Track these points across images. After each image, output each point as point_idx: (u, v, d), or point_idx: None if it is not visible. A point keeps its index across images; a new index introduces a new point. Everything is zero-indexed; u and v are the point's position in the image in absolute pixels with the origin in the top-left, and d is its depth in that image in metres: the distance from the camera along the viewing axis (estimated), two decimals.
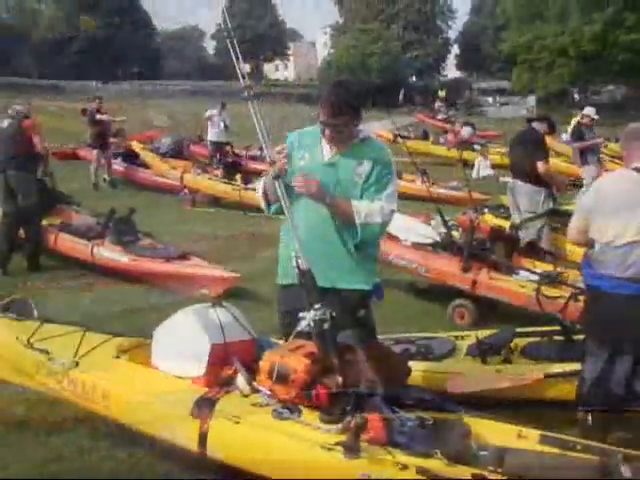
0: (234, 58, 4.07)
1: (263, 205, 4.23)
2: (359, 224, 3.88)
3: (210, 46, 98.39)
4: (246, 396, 3.80)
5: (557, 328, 5.56)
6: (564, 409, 5.03)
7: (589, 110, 14.02)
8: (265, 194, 4.15)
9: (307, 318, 3.64)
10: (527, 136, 8.94)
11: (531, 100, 55.45)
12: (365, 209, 3.91)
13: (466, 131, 23.11)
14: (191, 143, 19.78)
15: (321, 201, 3.91)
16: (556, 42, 46.54)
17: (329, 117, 3.95)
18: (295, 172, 3.99)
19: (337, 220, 4.00)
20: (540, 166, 8.47)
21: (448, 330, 6.44)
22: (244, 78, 4.07)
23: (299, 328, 3.68)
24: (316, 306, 3.64)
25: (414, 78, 73.50)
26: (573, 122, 19.51)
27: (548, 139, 16.44)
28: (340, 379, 3.60)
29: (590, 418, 4.47)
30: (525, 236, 8.38)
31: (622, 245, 4.20)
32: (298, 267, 3.74)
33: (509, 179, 9.17)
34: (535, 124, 8.92)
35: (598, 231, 4.36)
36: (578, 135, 13.59)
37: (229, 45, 4.15)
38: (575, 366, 4.92)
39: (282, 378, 3.62)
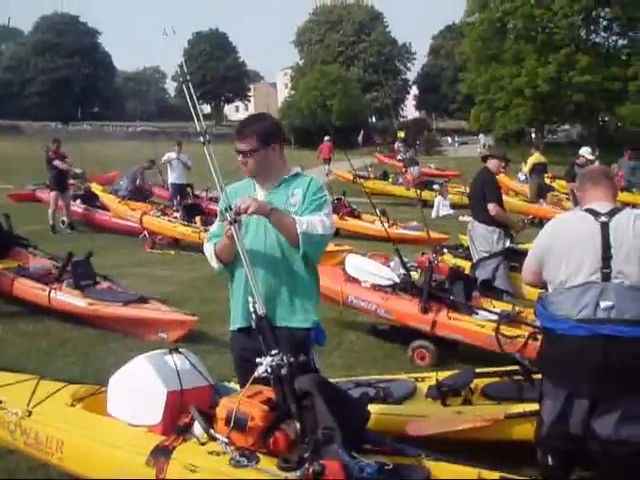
0: (190, 104, 4.08)
1: (217, 268, 4.23)
2: (300, 233, 3.86)
3: (171, 87, 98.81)
4: (203, 444, 3.74)
5: (516, 368, 5.57)
6: (525, 450, 5.06)
7: (584, 150, 13.97)
8: (217, 255, 4.14)
9: (264, 364, 3.61)
10: (480, 177, 9.05)
11: (483, 138, 56.50)
12: (306, 220, 3.92)
13: (414, 170, 23.40)
14: (151, 184, 19.76)
15: (265, 214, 3.88)
16: (512, 83, 47.47)
17: (237, 142, 4.05)
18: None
19: (279, 256, 4.03)
20: (491, 208, 8.59)
21: (410, 371, 6.44)
22: (199, 121, 4.10)
23: (256, 374, 3.65)
24: (273, 352, 3.61)
25: (374, 119, 74.25)
26: (530, 160, 19.88)
27: (506, 179, 16.63)
28: (298, 425, 3.57)
29: (550, 459, 4.43)
30: (481, 275, 8.45)
31: (575, 286, 4.19)
32: (255, 312, 3.74)
33: (468, 218, 9.26)
34: (489, 162, 9.01)
35: (551, 272, 4.38)
36: (572, 176, 13.42)
37: (185, 91, 4.21)
38: (535, 406, 4.90)
39: (239, 425, 3.57)
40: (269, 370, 3.60)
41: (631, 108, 45.51)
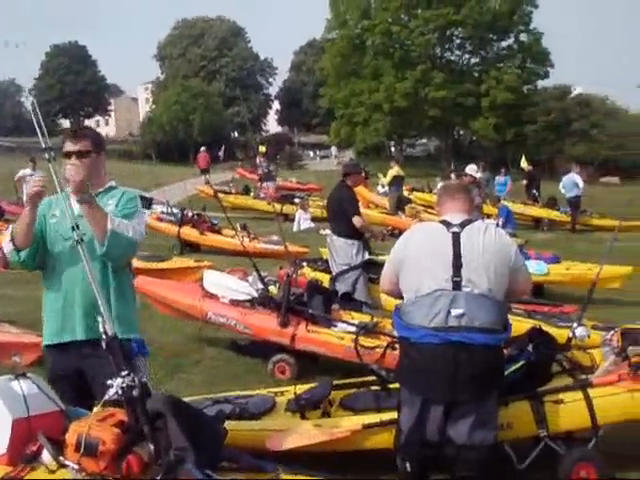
0: (35, 122, 3.90)
1: (9, 252, 4.05)
2: (110, 230, 3.81)
3: (29, 101, 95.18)
4: (53, 472, 3.58)
5: (374, 378, 5.65)
6: (384, 458, 5.13)
7: (470, 168, 14.08)
8: (12, 240, 4.01)
9: (115, 385, 3.50)
10: (340, 193, 9.14)
11: (335, 150, 57.59)
12: (119, 220, 3.90)
13: (270, 185, 23.58)
14: (6, 202, 19.07)
15: (82, 195, 3.83)
16: (371, 98, 48.58)
17: (70, 143, 4.02)
18: (50, 232, 4.04)
19: (100, 267, 3.97)
20: (356, 221, 8.74)
21: (270, 386, 6.42)
22: (44, 136, 3.95)
23: (107, 397, 3.54)
24: (123, 373, 3.51)
25: (236, 134, 74.17)
26: (389, 173, 20.32)
27: (366, 191, 16.93)
28: (152, 447, 3.48)
29: (408, 466, 4.51)
30: (341, 288, 8.53)
31: (428, 294, 4.28)
32: (105, 332, 3.62)
33: (328, 232, 9.34)
34: (347, 176, 9.14)
35: (406, 281, 4.48)
36: None
37: (30, 108, 4.10)
38: (392, 415, 4.99)
39: (90, 450, 3.43)
40: (120, 392, 3.50)
41: (483, 122, 47.45)
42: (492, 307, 4.30)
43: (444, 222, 4.54)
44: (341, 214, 8.87)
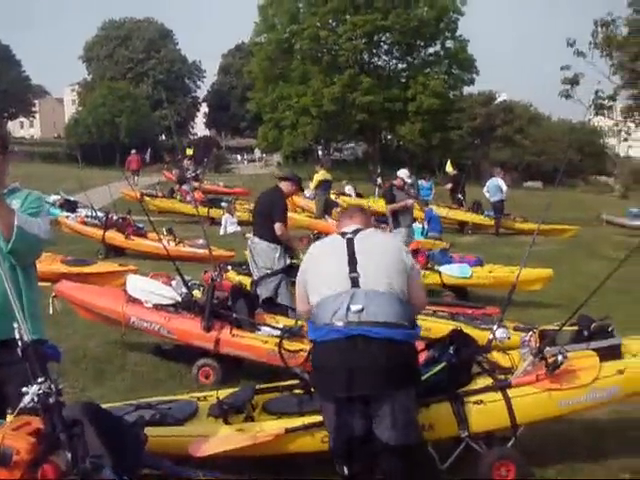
0: None
1: None
2: (17, 226, 3.74)
3: None
4: None
5: (297, 382, 5.66)
6: (308, 461, 5.15)
7: (402, 172, 14.16)
8: None
9: (30, 392, 3.42)
10: (271, 197, 9.11)
11: (258, 152, 57.82)
12: (25, 217, 3.84)
13: (186, 188, 23.44)
14: None
15: None
16: (299, 102, 48.62)
17: None
18: None
19: (6, 268, 3.82)
20: (278, 228, 8.73)
21: (194, 391, 6.37)
22: None
23: (22, 404, 3.46)
24: (40, 379, 3.44)
25: (163, 137, 73.44)
26: (315, 177, 20.40)
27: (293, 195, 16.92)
28: (69, 455, 3.41)
29: (345, 469, 4.56)
30: (263, 293, 8.50)
31: (330, 296, 4.45)
32: (21, 338, 3.54)
33: (250, 235, 9.29)
34: (283, 183, 9.14)
35: (312, 290, 4.65)
36: (390, 197, 13.47)
37: None
38: (315, 418, 5.02)
39: (4, 460, 3.35)
40: (36, 399, 3.42)
41: (410, 127, 47.96)
42: (393, 302, 4.44)
43: (340, 233, 4.84)
44: (267, 217, 8.83)
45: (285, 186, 9.12)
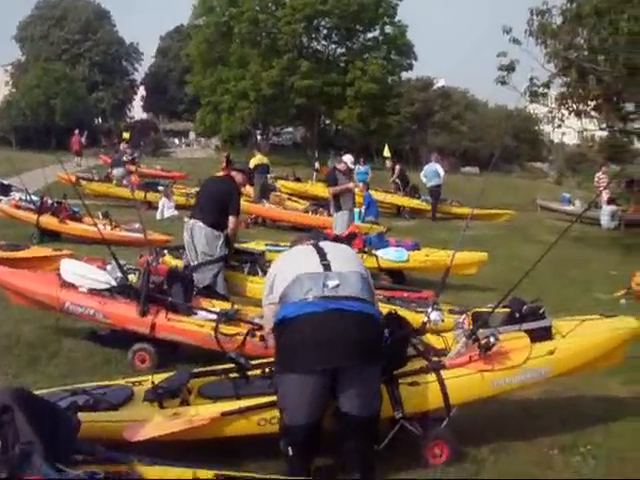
0: None
1: None
2: None
3: None
4: None
5: (233, 366, 5.66)
6: (245, 445, 5.16)
7: (347, 158, 14.30)
8: None
9: None
10: (224, 185, 9.01)
11: (193, 135, 57.57)
12: None
13: (119, 171, 23.18)
14: None
15: None
16: (237, 86, 48.32)
17: None
18: None
19: None
20: (233, 221, 8.74)
21: (131, 376, 6.31)
22: None
23: None
24: None
25: (100, 120, 72.22)
26: (252, 162, 20.32)
27: None
28: None
29: (290, 449, 4.64)
30: (201, 279, 8.42)
31: (304, 274, 4.66)
32: None
33: (190, 219, 9.12)
34: (236, 174, 9.08)
35: (282, 281, 4.79)
36: (333, 181, 13.66)
37: None
38: (251, 402, 5.04)
39: None
40: None
41: (348, 112, 48.06)
42: (364, 283, 4.73)
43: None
44: (218, 205, 8.73)
45: (238, 177, 9.08)
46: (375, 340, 4.69)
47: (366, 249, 11.30)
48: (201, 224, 8.66)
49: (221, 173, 9.79)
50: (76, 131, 36.00)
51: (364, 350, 4.52)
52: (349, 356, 4.47)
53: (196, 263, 8.58)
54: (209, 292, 8.25)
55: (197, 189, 13.23)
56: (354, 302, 4.55)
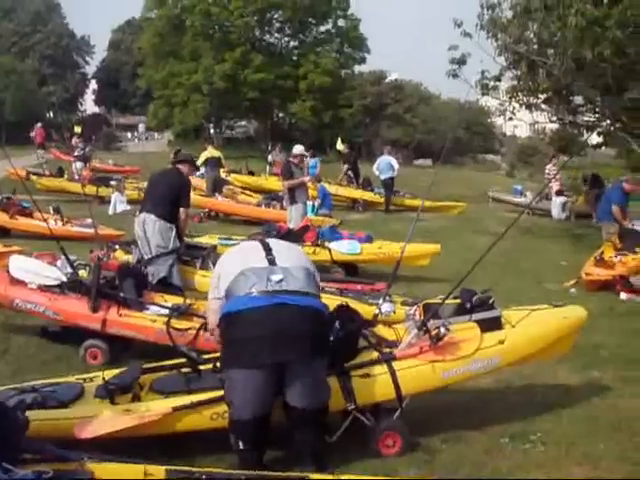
0: None
1: None
2: None
3: None
4: None
5: (184, 360, 5.63)
6: (197, 440, 5.14)
7: (298, 148, 14.22)
8: None
9: None
10: (178, 179, 8.99)
11: (141, 127, 57.14)
12: None
13: (78, 166, 22.91)
14: None
15: None
16: (190, 79, 48.04)
17: None
18: None
19: None
20: (183, 213, 8.77)
21: (82, 372, 6.24)
22: None
23: None
24: None
25: (51, 114, 71.23)
26: (203, 155, 20.20)
27: None
28: None
29: (241, 443, 4.67)
30: (157, 272, 8.38)
31: (248, 269, 4.70)
32: None
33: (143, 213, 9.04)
34: (182, 166, 9.04)
35: (229, 272, 4.83)
36: (289, 173, 13.59)
37: None
38: (203, 396, 5.03)
39: None
40: None
41: (301, 105, 48.10)
42: (309, 277, 4.78)
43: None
44: (171, 198, 8.74)
45: (184, 169, 9.05)
46: (320, 334, 4.73)
47: (319, 242, 11.32)
48: (153, 217, 8.61)
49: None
50: (39, 124, 35.46)
51: (309, 344, 4.57)
52: (294, 350, 4.52)
53: (150, 256, 8.52)
54: (165, 285, 8.25)
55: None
56: (298, 296, 4.59)
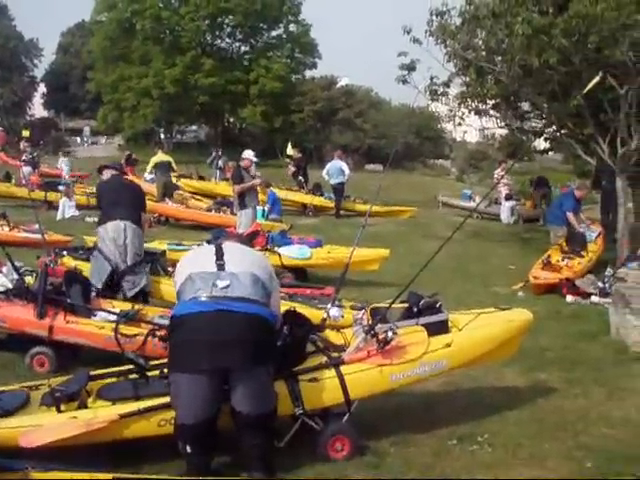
0: None
1: None
2: None
3: None
4: None
5: (132, 367, 5.59)
6: (148, 446, 5.11)
7: (248, 153, 14.25)
8: None
9: None
10: (133, 185, 9.36)
11: (87, 130, 56.86)
12: None
13: (26, 171, 22.63)
14: None
15: None
16: (140, 83, 47.63)
17: None
18: None
19: None
20: (144, 218, 9.01)
21: (29, 380, 6.15)
22: None
23: None
24: None
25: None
26: (152, 160, 20.07)
27: (134, 179, 16.75)
28: None
29: (188, 447, 4.66)
30: (137, 281, 8.50)
31: (196, 273, 4.77)
32: None
33: (94, 219, 9.05)
34: (128, 170, 9.10)
35: (180, 275, 4.94)
36: (239, 178, 13.62)
37: None
38: (150, 403, 5.00)
39: None
40: None
41: (252, 110, 47.97)
42: (256, 284, 4.78)
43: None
44: (139, 205, 8.98)
45: (130, 172, 9.17)
46: (262, 341, 4.73)
47: (269, 247, 11.33)
48: (131, 224, 8.66)
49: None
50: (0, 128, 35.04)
51: (250, 351, 4.59)
52: (233, 357, 4.54)
53: (128, 265, 8.54)
54: (142, 293, 8.47)
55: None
56: (243, 303, 4.62)
